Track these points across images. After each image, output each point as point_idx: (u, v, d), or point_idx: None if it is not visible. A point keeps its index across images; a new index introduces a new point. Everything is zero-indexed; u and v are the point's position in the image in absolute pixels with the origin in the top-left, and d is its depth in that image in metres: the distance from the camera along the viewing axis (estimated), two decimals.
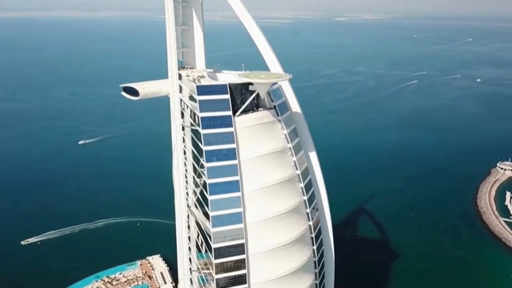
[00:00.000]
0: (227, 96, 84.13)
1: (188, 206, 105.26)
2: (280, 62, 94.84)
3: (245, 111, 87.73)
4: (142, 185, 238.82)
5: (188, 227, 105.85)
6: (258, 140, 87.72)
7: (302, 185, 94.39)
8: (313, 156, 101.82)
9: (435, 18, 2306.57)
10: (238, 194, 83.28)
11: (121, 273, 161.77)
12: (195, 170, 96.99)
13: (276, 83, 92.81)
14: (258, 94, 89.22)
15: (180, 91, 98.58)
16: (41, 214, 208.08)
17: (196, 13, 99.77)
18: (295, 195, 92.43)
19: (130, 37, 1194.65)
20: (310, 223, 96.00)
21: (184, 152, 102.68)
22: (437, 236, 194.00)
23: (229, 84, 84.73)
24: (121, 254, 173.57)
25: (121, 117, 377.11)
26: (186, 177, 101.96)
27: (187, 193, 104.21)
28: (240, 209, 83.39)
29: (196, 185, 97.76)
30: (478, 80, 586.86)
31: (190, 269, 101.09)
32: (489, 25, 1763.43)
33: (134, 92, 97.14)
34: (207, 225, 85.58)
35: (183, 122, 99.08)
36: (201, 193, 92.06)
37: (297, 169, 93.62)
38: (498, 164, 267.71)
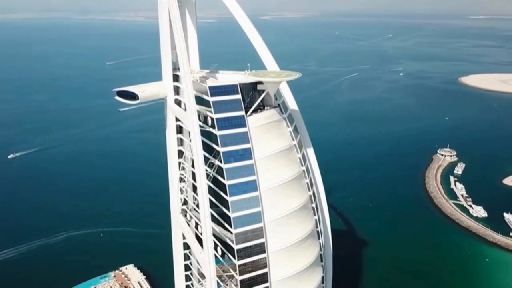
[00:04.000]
0: (239, 96, 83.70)
1: (185, 212, 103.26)
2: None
3: (254, 111, 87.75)
4: (96, 196, 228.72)
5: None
6: (268, 139, 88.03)
7: (307, 180, 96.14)
8: (311, 151, 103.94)
9: (352, 16, 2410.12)
10: (257, 193, 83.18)
11: (95, 287, 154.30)
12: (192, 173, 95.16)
13: None
14: (262, 94, 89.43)
15: (178, 93, 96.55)
16: None
17: (189, 14, 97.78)
18: (303, 191, 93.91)
19: (51, 38, 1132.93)
20: (316, 217, 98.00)
21: (180, 156, 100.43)
22: (397, 222, 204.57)
23: (239, 84, 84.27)
24: (91, 267, 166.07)
25: (61, 124, 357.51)
26: (184, 181, 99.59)
27: (180, 199, 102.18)
28: (259, 208, 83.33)
29: (196, 188, 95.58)
30: (401, 74, 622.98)
31: (202, 274, 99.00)
32: (405, 22, 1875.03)
33: (131, 96, 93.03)
34: (220, 228, 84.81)
35: (181, 124, 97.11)
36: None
37: (302, 165, 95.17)
38: (438, 151, 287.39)
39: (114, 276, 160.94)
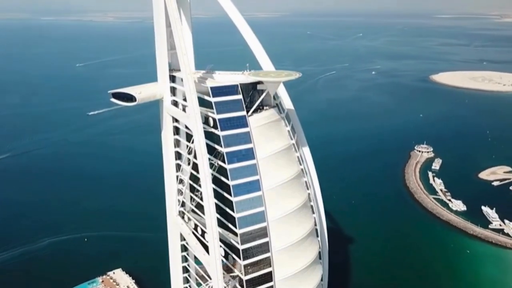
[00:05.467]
0: (240, 97, 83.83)
1: (182, 213, 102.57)
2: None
3: (254, 111, 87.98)
4: (77, 201, 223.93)
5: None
6: (268, 138, 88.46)
7: (306, 179, 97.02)
8: (307, 150, 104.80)
9: (322, 15, 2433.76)
10: (260, 193, 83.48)
11: None
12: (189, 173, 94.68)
13: None
14: (262, 94, 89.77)
15: (174, 94, 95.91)
16: None
17: (184, 14, 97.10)
18: (302, 190, 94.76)
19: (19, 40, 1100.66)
20: (315, 215, 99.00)
21: (178, 158, 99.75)
22: (381, 218, 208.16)
23: (239, 84, 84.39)
24: (77, 273, 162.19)
25: (32, 128, 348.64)
26: (182, 183, 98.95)
27: (178, 200, 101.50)
28: (262, 208, 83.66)
29: (194, 189, 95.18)
30: (373, 73, 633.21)
31: (202, 276, 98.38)
32: (374, 21, 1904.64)
33: (128, 98, 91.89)
34: (222, 229, 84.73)
35: (178, 125, 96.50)
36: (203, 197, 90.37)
37: (300, 164, 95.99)
38: (415, 148, 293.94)
39: (102, 281, 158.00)
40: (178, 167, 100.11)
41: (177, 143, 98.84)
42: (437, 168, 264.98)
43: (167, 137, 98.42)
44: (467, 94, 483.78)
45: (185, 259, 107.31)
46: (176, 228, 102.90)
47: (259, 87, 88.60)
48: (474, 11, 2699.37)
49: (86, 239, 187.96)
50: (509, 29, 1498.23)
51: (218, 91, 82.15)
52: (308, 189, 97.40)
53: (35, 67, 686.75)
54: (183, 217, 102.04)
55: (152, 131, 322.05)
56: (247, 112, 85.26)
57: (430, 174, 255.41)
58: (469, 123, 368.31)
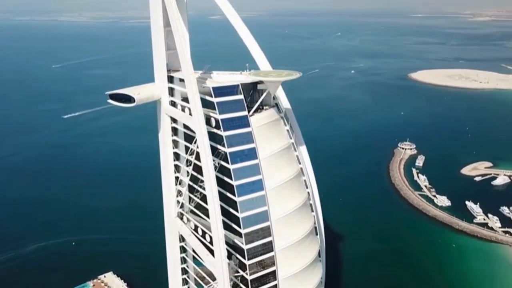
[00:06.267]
0: (241, 97, 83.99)
1: (181, 215, 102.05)
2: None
3: (254, 110, 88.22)
4: (64, 204, 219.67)
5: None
6: (269, 138, 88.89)
7: (305, 178, 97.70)
8: (304, 149, 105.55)
9: (299, 14, 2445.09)
10: (263, 192, 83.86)
11: None
12: (188, 173, 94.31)
13: None
14: (262, 93, 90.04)
15: (172, 95, 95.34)
16: None
17: (181, 14, 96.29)
18: (302, 189, 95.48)
19: None
20: (314, 214, 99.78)
21: (176, 159, 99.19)
22: (368, 215, 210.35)
23: (240, 84, 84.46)
24: (67, 278, 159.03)
25: (8, 132, 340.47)
26: (181, 184, 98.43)
27: (178, 201, 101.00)
28: (265, 208, 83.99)
29: (194, 190, 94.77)
30: (352, 71, 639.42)
31: (202, 277, 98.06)
32: (351, 20, 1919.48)
33: (127, 99, 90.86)
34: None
35: (176, 125, 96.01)
36: (203, 198, 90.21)
37: (299, 163, 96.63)
38: (398, 145, 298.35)
39: (93, 285, 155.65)
40: (176, 168, 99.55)
41: (175, 144, 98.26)
42: (421, 164, 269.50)
43: (165, 138, 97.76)
44: (445, 92, 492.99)
45: (184, 261, 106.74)
46: (175, 229, 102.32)
47: (259, 86, 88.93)
48: (446, 10, 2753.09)
49: (73, 243, 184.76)
50: (481, 27, 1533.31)
51: (220, 91, 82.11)
52: (307, 188, 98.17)
53: (9, 68, 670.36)
54: (181, 218, 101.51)
55: (134, 132, 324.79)
56: (248, 112, 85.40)
57: (414, 171, 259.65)
58: (449, 120, 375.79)
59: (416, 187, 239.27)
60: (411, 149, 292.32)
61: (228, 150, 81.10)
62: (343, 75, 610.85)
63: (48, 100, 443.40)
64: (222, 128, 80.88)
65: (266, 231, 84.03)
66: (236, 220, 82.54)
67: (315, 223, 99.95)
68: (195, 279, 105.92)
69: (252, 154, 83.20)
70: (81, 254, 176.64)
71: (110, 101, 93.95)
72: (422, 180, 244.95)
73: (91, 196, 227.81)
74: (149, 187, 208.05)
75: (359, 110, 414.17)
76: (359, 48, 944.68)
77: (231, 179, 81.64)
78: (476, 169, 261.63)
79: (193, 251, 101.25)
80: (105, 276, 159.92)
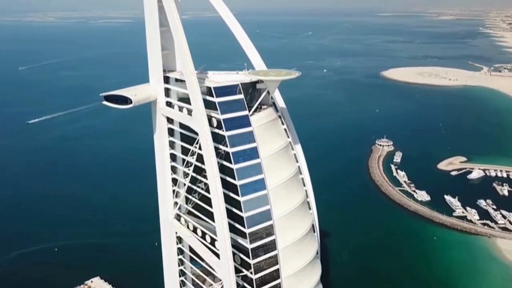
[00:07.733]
0: (241, 96, 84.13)
1: (178, 216, 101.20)
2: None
3: (254, 110, 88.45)
4: (44, 209, 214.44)
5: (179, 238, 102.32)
6: (269, 137, 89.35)
7: (302, 176, 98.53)
8: (299, 148, 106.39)
9: (269, 14, 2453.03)
10: (265, 191, 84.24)
11: None
12: (186, 174, 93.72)
13: None
14: (261, 93, 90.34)
15: (168, 95, 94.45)
16: None
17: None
18: (300, 188, 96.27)
19: None
20: (311, 211, 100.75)
21: (173, 160, 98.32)
22: (350, 212, 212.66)
23: (240, 83, 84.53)
24: (52, 285, 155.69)
25: None
26: (179, 185, 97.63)
27: (175, 203, 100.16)
28: (268, 206, 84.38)
29: (192, 191, 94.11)
30: (325, 70, 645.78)
31: (203, 279, 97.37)
32: (321, 20, 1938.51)
33: (123, 101, 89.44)
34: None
35: (173, 126, 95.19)
36: (202, 198, 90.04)
37: (297, 161, 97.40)
38: (376, 142, 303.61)
39: None
40: (173, 169, 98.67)
41: (171, 145, 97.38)
42: (399, 160, 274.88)
43: (162, 139, 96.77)
44: (416, 89, 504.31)
45: (181, 262, 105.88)
46: (172, 231, 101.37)
47: (258, 86, 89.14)
48: (411, 9, 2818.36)
49: (56, 249, 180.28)
50: (446, 26, 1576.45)
51: (221, 91, 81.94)
52: (304, 186, 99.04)
53: None
54: (179, 220, 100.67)
55: (111, 135, 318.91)
56: (249, 111, 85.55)
57: (393, 167, 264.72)
58: (423, 117, 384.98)
59: (396, 182, 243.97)
60: (388, 145, 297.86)
61: (231, 150, 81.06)
62: (317, 74, 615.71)
63: (16, 103, 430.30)
64: (224, 128, 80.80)
65: (269, 230, 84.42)
66: (239, 219, 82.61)
67: (313, 221, 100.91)
68: (192, 280, 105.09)
69: (254, 153, 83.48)
70: (67, 259, 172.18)
71: (105, 102, 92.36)
72: (401, 176, 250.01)
73: (74, 201, 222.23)
74: (138, 190, 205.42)
75: (335, 108, 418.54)
76: (330, 47, 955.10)
77: (234, 179, 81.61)
78: (451, 164, 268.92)
79: (192, 252, 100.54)
80: (92, 281, 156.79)
